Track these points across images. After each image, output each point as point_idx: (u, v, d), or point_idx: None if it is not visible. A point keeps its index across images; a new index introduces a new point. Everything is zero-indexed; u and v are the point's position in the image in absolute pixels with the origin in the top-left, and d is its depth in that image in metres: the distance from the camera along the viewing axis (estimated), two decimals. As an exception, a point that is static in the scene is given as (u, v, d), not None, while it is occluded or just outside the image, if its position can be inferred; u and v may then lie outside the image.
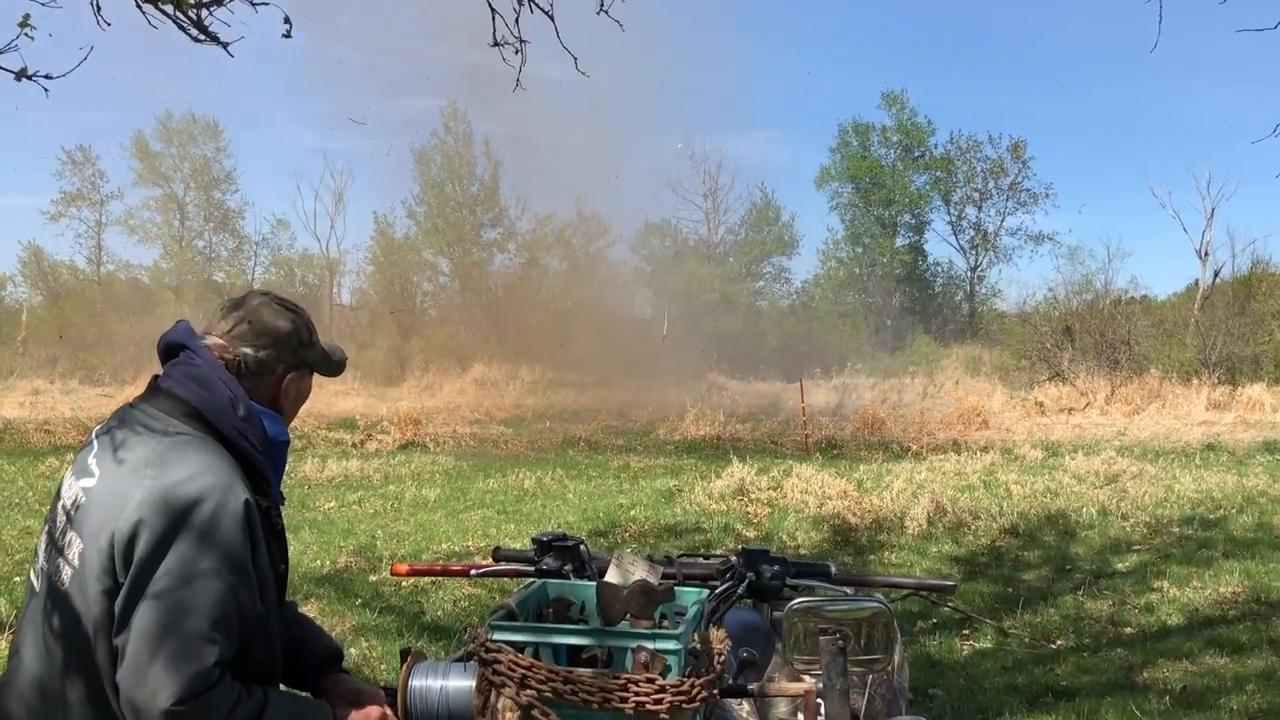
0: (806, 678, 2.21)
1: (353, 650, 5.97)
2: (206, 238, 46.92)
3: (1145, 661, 6.06)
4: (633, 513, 10.50)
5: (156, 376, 2.09)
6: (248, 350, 2.09)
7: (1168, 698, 5.41)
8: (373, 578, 7.61)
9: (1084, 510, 10.46)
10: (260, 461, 2.03)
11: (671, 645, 1.87)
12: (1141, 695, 5.44)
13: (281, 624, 2.17)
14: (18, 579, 7.39)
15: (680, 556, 2.86)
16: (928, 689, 5.52)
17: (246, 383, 2.07)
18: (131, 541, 1.84)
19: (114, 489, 1.91)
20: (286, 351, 2.13)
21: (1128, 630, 6.77)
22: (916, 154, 47.86)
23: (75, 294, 42.12)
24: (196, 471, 1.89)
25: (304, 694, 2.10)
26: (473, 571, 2.85)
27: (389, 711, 2.04)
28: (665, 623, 2.07)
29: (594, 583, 2.19)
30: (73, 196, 44.71)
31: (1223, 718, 5.13)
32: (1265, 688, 5.58)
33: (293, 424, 2.26)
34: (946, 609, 6.86)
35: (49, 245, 50.29)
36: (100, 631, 1.86)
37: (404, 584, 7.28)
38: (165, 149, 45.03)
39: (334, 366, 2.25)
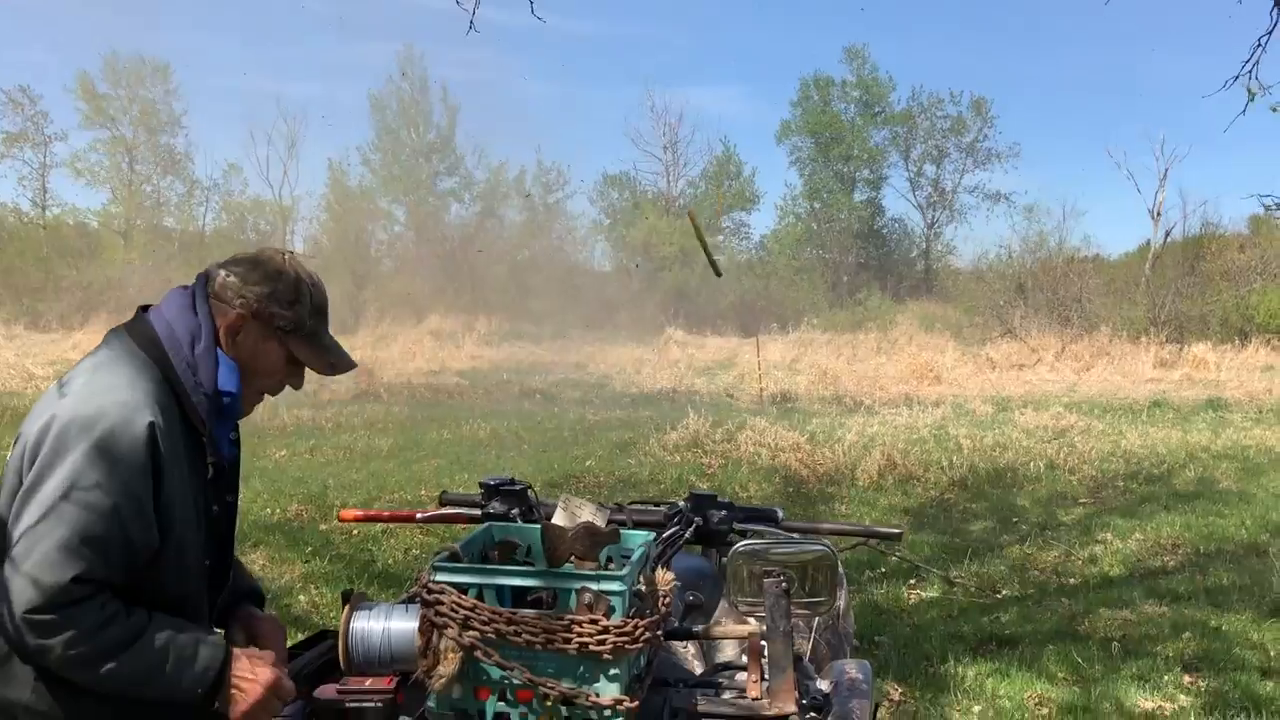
0: (751, 620, 2.22)
1: (301, 597, 5.94)
2: (155, 182, 45.95)
3: (1087, 611, 6.19)
4: (588, 464, 10.52)
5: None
6: (223, 271, 2.04)
7: (1112, 645, 5.53)
8: (323, 526, 7.56)
9: (1032, 464, 10.63)
10: (190, 398, 1.96)
11: (615, 586, 1.85)
12: (1083, 643, 5.56)
13: (223, 570, 2.14)
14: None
15: (631, 504, 2.85)
16: (873, 636, 5.60)
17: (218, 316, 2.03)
18: (36, 449, 1.83)
19: (43, 401, 1.91)
20: (254, 291, 2.01)
21: (1071, 581, 6.91)
22: (876, 110, 47.80)
23: (19, 238, 41.14)
24: (107, 389, 1.87)
25: (213, 631, 2.05)
26: (419, 515, 2.83)
27: (283, 675, 1.98)
28: (611, 565, 2.06)
29: (540, 525, 2.17)
30: (14, 137, 43.53)
31: (1160, 665, 5.25)
32: (1200, 635, 5.72)
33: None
34: (894, 558, 6.95)
35: (-10, 188, 49.01)
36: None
37: (354, 532, 7.25)
38: (113, 91, 43.91)
39: (315, 354, 2.08)
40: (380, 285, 37.91)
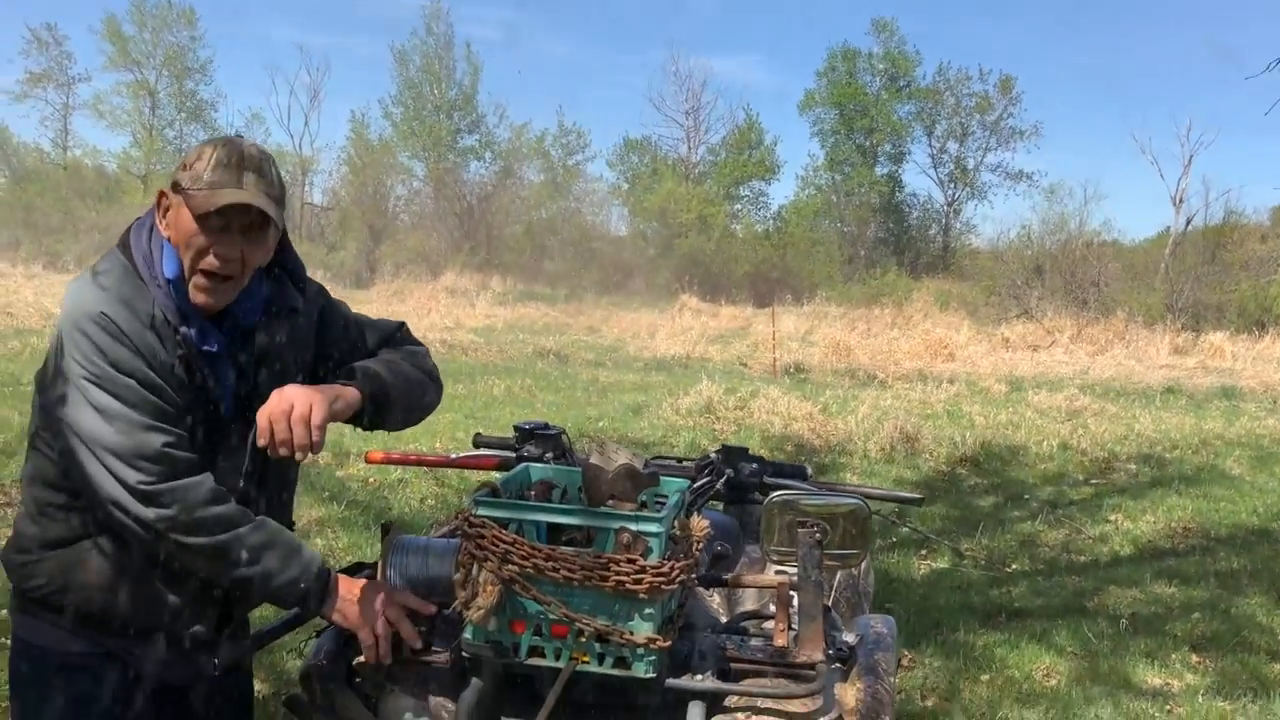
0: (770, 570, 2.25)
1: (318, 540, 6.00)
2: (178, 128, 45.92)
3: (1096, 588, 6.22)
4: (600, 424, 10.55)
5: None
6: None
7: (1121, 622, 5.57)
8: (339, 473, 7.62)
9: (1044, 443, 10.63)
10: (146, 284, 1.96)
11: (654, 528, 1.88)
12: (1091, 619, 5.59)
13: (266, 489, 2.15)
14: (-20, 456, 7.35)
15: (653, 459, 2.87)
16: (884, 604, 5.63)
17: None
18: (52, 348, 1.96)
19: None
20: (177, 169, 2.01)
21: (1080, 558, 6.93)
22: (902, 84, 47.39)
23: (40, 177, 41.21)
24: (78, 286, 1.96)
25: None
26: (453, 457, 2.85)
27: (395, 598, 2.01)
28: (647, 509, 2.08)
29: (577, 468, 2.19)
30: (39, 76, 43.55)
31: (1168, 643, 5.29)
32: (1209, 617, 5.75)
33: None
34: (905, 529, 6.99)
35: (14, 126, 49.07)
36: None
37: (370, 479, 7.31)
38: (138, 34, 43.79)
39: (204, 200, 1.91)
40: (397, 240, 37.92)
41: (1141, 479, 9.47)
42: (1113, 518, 7.95)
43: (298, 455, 1.93)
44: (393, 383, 2.17)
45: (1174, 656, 5.12)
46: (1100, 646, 5.22)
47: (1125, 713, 4.48)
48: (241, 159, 1.95)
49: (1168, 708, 4.56)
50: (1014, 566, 6.66)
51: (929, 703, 4.52)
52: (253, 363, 2.09)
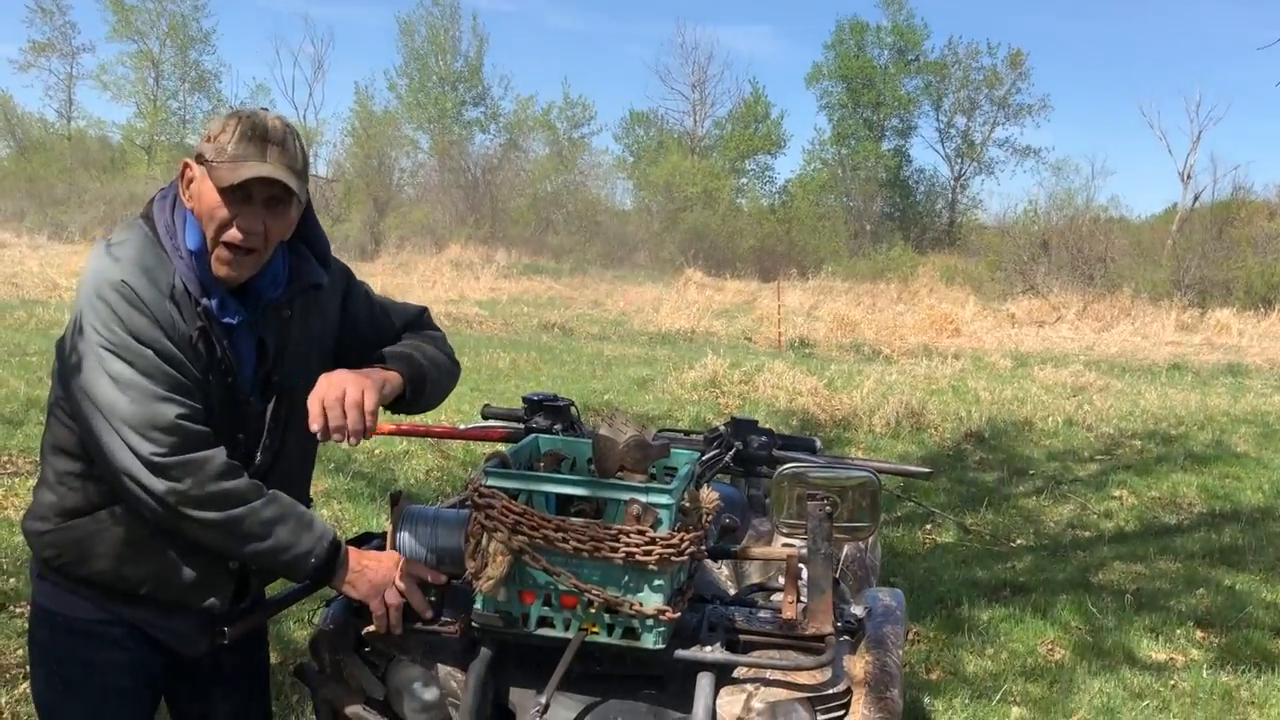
0: (787, 542, 2.25)
1: (324, 511, 6.02)
2: (181, 98, 45.79)
3: (1101, 563, 6.23)
4: (606, 397, 10.55)
5: None
6: None
7: (1125, 597, 5.58)
8: (344, 445, 7.60)
9: (1049, 419, 10.62)
10: (168, 255, 1.96)
11: (664, 500, 1.87)
12: (1096, 594, 5.60)
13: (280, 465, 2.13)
14: (-13, 426, 7.36)
15: (661, 432, 2.87)
16: (888, 578, 5.65)
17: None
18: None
19: None
20: (200, 141, 2.01)
21: (1085, 534, 6.94)
22: (910, 57, 47.10)
23: (45, 147, 41.13)
24: (99, 254, 1.95)
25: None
26: (461, 428, 2.84)
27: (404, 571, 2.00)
28: (656, 481, 2.08)
29: (586, 439, 2.19)
30: (42, 46, 43.40)
31: (1172, 618, 5.30)
32: (1213, 592, 5.76)
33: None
34: (910, 503, 6.99)
35: (18, 96, 48.92)
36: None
37: (376, 451, 7.32)
38: (141, 3, 43.58)
39: (228, 172, 1.90)
40: (401, 213, 37.83)
41: (1147, 455, 9.46)
42: (1117, 493, 7.95)
43: (350, 441, 1.93)
44: (427, 368, 2.19)
45: (1178, 632, 5.14)
46: (1104, 621, 5.23)
47: (1129, 687, 4.49)
48: (266, 132, 1.94)
49: (1171, 682, 4.57)
50: (1018, 541, 6.67)
51: (933, 676, 4.54)
52: (274, 337, 2.08)
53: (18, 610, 4.28)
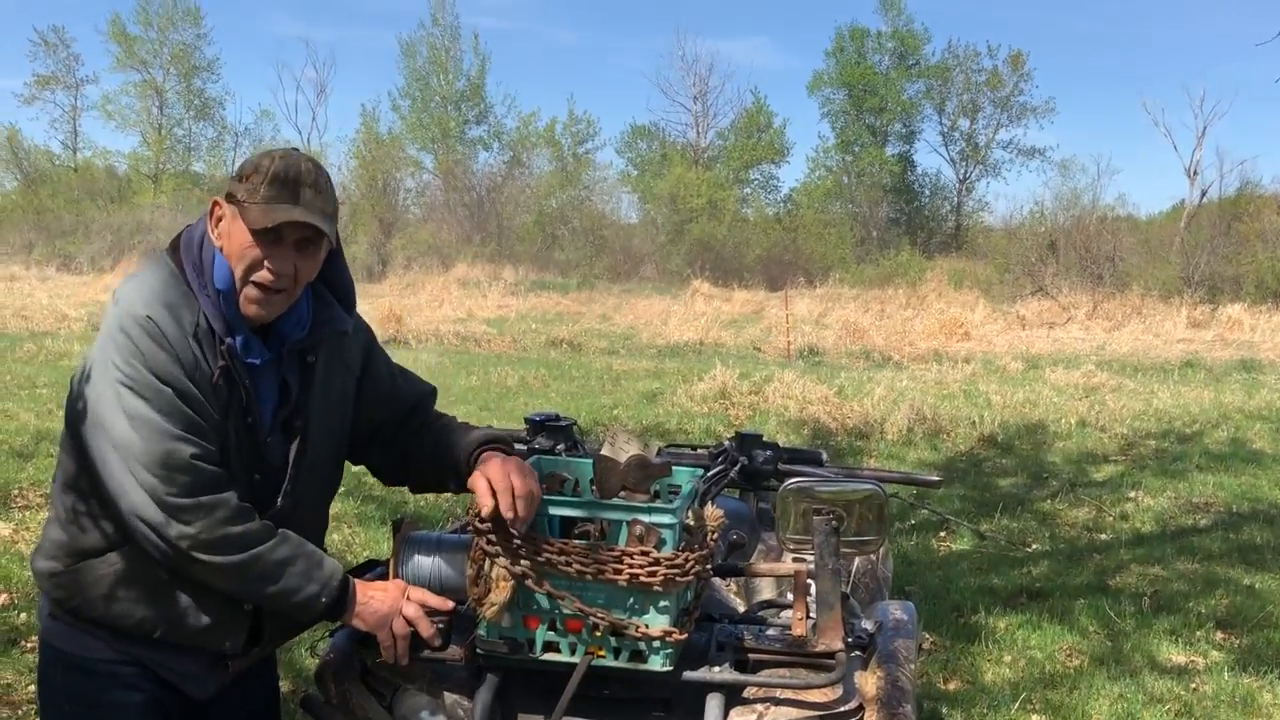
0: (788, 558, 2.22)
1: (335, 536, 6.00)
2: (186, 126, 46.03)
3: (1119, 566, 6.17)
4: (615, 412, 10.53)
5: None
6: None
7: (1144, 600, 5.52)
8: (355, 468, 7.60)
9: (1062, 421, 10.56)
10: (194, 293, 1.95)
11: (667, 519, 1.85)
12: (1114, 598, 5.55)
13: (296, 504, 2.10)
14: (-2, 459, 7.37)
15: (667, 447, 2.84)
16: (904, 586, 5.60)
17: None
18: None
19: None
20: (230, 180, 2.01)
21: (1102, 537, 6.88)
22: (911, 62, 47.11)
23: (51, 180, 41.39)
24: (123, 294, 1.94)
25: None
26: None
27: (412, 598, 1.98)
28: (659, 500, 2.06)
29: (588, 459, 2.17)
30: (46, 79, 43.72)
31: (1192, 620, 5.24)
32: (1233, 593, 5.70)
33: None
34: (924, 511, 6.95)
35: (24, 130, 49.33)
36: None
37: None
38: (144, 33, 43.89)
39: (261, 216, 1.90)
40: (408, 233, 37.94)
41: (1162, 455, 9.40)
42: (1133, 494, 7.89)
43: (518, 528, 1.90)
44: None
45: (1198, 634, 5.08)
46: (1123, 625, 5.17)
47: (1149, 692, 4.44)
48: (299, 174, 1.94)
49: (1192, 686, 4.52)
50: (1034, 546, 6.62)
51: (951, 686, 4.49)
52: (296, 379, 2.08)
53: (28, 645, 4.27)
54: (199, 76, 45.23)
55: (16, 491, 6.63)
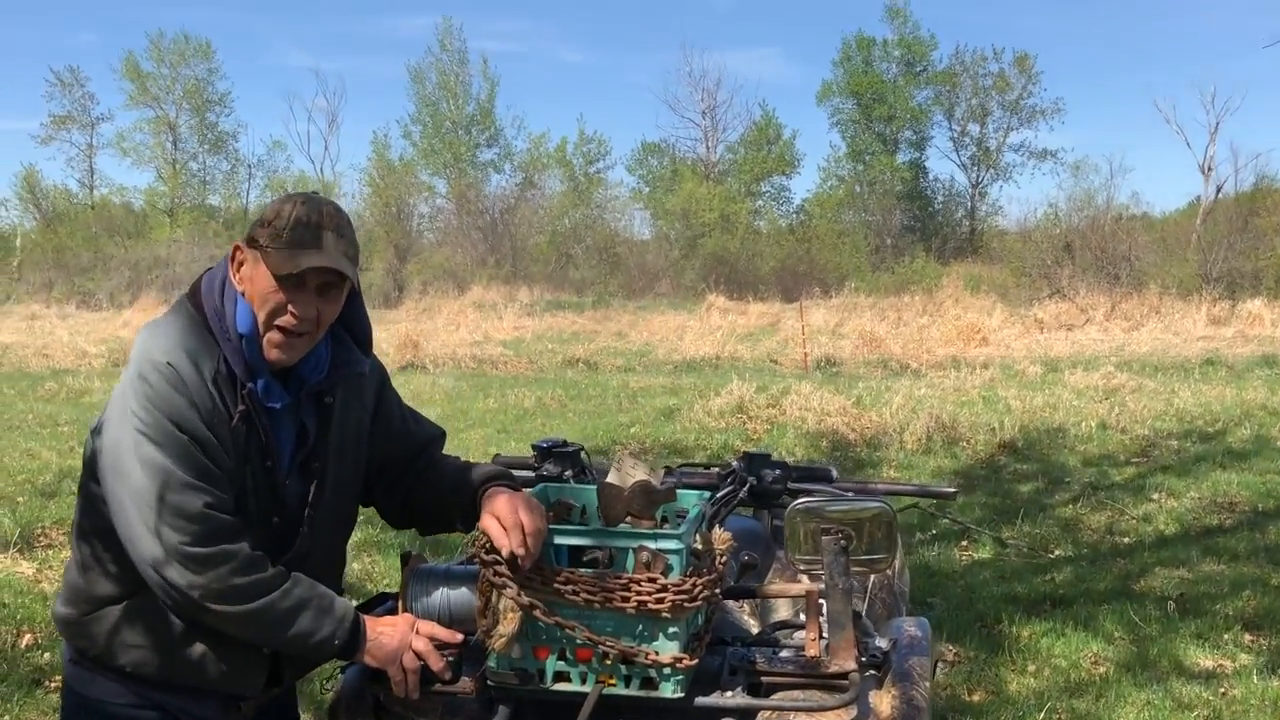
0: (804, 579, 2.21)
1: (355, 566, 6.02)
2: (201, 160, 46.47)
3: (1143, 570, 6.11)
4: (632, 430, 10.53)
5: None
6: None
7: (1169, 604, 5.46)
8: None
9: (1083, 424, 10.48)
10: (215, 338, 1.96)
11: (673, 545, 1.85)
12: (1139, 603, 5.49)
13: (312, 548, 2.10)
14: (20, 499, 7.42)
15: (680, 466, 2.84)
16: (926, 598, 5.57)
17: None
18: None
19: None
20: (251, 225, 2.02)
21: (1125, 540, 6.82)
22: (918, 69, 47.10)
23: (69, 218, 41.82)
24: (141, 341, 1.95)
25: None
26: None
27: (420, 633, 1.98)
28: (666, 525, 2.05)
29: (595, 485, 2.17)
30: (62, 119, 44.22)
31: (1219, 623, 5.19)
32: (1260, 593, 5.64)
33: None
34: (945, 520, 6.90)
35: (42, 170, 49.95)
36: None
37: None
38: (157, 70, 44.37)
39: (284, 261, 1.91)
40: (423, 258, 38.12)
41: (1184, 455, 9.32)
42: (1156, 496, 7.83)
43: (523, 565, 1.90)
44: None
45: (1226, 637, 5.02)
46: (1149, 630, 5.12)
47: (1177, 698, 4.39)
48: (321, 218, 1.96)
49: (1221, 690, 4.47)
50: (1057, 552, 6.57)
51: (975, 698, 4.45)
52: (315, 422, 2.09)
53: (52, 685, 4.29)
54: (212, 110, 45.72)
55: (39, 530, 6.68)
